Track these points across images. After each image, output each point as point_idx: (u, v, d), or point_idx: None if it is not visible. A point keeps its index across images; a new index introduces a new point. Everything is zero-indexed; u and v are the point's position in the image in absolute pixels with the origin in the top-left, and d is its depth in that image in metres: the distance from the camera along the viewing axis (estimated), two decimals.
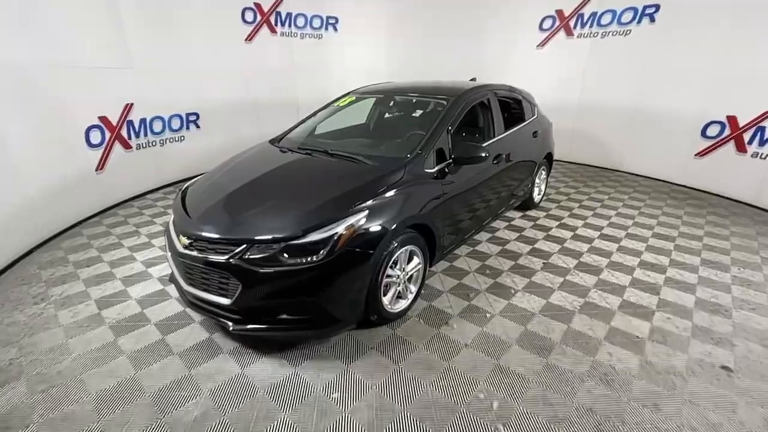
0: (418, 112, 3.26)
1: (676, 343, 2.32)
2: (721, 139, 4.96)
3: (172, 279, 2.45)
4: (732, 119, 4.83)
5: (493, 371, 2.07)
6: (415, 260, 2.48)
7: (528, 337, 2.35)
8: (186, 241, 2.09)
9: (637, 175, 5.95)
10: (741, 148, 4.78)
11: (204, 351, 2.20)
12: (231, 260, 1.94)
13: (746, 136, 4.72)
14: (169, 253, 2.32)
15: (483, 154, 2.59)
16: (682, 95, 5.25)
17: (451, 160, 2.63)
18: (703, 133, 5.13)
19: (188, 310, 2.53)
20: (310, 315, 2.02)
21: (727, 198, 4.95)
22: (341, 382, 1.99)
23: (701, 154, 5.21)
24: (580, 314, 2.58)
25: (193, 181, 2.74)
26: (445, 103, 2.93)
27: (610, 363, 2.14)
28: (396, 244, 2.21)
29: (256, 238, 1.94)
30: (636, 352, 2.23)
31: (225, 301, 2.01)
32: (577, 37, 6.22)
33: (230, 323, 2.06)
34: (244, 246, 1.94)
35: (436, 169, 2.56)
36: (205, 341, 2.28)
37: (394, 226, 2.15)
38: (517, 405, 1.87)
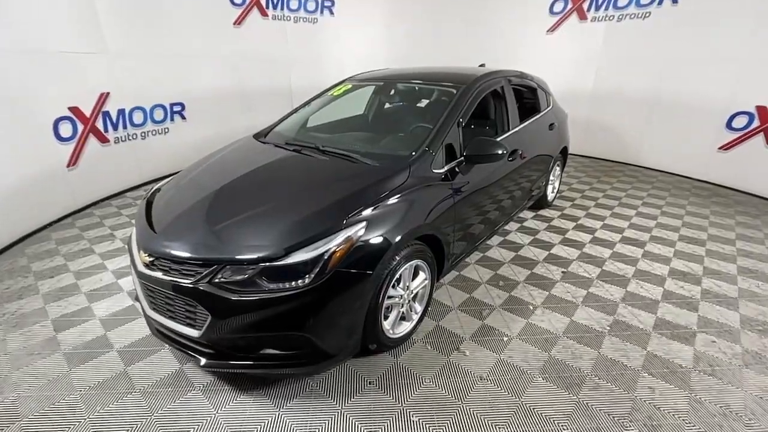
0: (424, 102, 2.88)
1: (727, 374, 1.98)
2: (749, 131, 4.58)
3: (137, 299, 2.09)
4: (762, 109, 4.44)
5: (516, 413, 1.74)
6: (421, 276, 2.13)
7: (553, 366, 2.01)
8: (147, 259, 1.74)
9: (654, 169, 5.57)
10: None
11: (172, 387, 1.86)
12: (198, 284, 1.59)
13: None
14: (133, 270, 1.96)
15: (500, 152, 2.22)
16: (705, 84, 4.85)
17: (462, 158, 2.26)
18: (729, 125, 4.74)
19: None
20: (297, 350, 1.67)
21: (755, 195, 4.59)
22: (334, 430, 1.65)
23: (725, 147, 4.83)
24: (610, 336, 2.24)
25: (163, 183, 2.37)
26: (454, 91, 2.54)
27: (653, 402, 1.81)
28: (399, 260, 1.86)
29: (228, 257, 1.59)
30: (682, 387, 1.89)
31: (193, 332, 1.66)
32: (591, 20, 5.78)
33: (202, 358, 1.72)
34: (214, 267, 1.59)
35: (446, 169, 2.19)
36: (175, 374, 1.94)
37: (398, 239, 1.80)
38: None
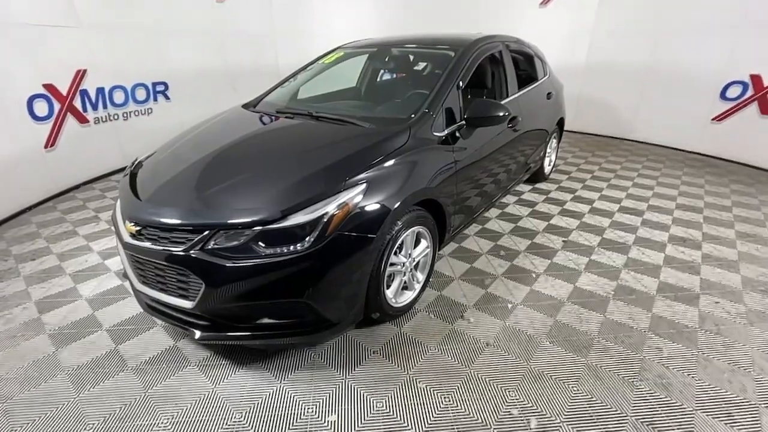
0: (421, 66, 2.76)
1: (733, 332, 1.97)
2: (743, 101, 4.56)
3: (126, 276, 1.99)
4: (756, 78, 4.42)
5: (525, 378, 1.70)
6: (423, 243, 2.05)
7: (560, 331, 1.97)
8: (133, 229, 1.62)
9: (647, 143, 5.55)
10: (765, 110, 4.39)
11: (166, 364, 1.77)
12: (190, 252, 1.49)
13: None
14: (119, 245, 1.85)
15: (502, 113, 2.14)
16: (699, 54, 4.80)
17: (463, 122, 2.18)
18: (723, 95, 4.72)
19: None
20: (297, 318, 1.59)
21: (747, 165, 4.60)
22: (339, 400, 1.59)
23: (719, 118, 4.82)
24: (615, 300, 2.21)
25: (148, 154, 2.24)
26: (452, 54, 2.44)
27: (661, 362, 1.78)
28: (401, 225, 1.78)
29: (221, 222, 1.49)
30: (689, 347, 1.87)
31: (186, 304, 1.57)
32: None
33: (196, 331, 1.63)
34: (207, 233, 1.49)
35: (446, 132, 2.10)
36: (169, 351, 1.85)
37: (399, 202, 1.71)
38: (560, 422, 1.50)
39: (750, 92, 4.49)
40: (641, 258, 2.64)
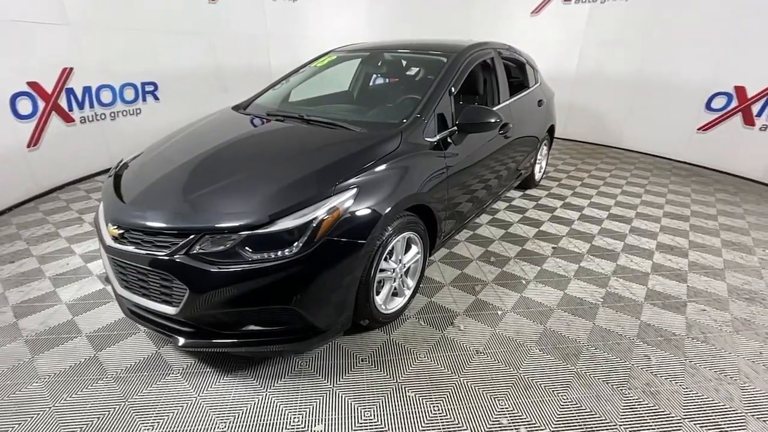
0: (413, 72, 2.76)
1: (719, 340, 1.99)
2: (727, 112, 4.66)
3: (108, 280, 1.93)
4: (740, 90, 4.52)
5: (515, 385, 1.68)
6: (414, 249, 2.04)
7: (549, 338, 1.97)
8: (116, 232, 1.58)
9: (635, 151, 5.63)
10: (749, 121, 4.49)
11: (148, 371, 1.72)
12: (174, 257, 1.45)
13: (755, 108, 4.43)
14: (102, 248, 1.80)
15: (494, 120, 2.14)
16: (686, 65, 4.90)
17: (455, 128, 2.17)
18: (708, 106, 4.82)
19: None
20: (285, 325, 1.56)
21: (732, 174, 4.69)
22: (326, 409, 1.56)
23: (704, 128, 4.91)
24: (604, 308, 2.22)
25: (133, 155, 2.19)
26: (444, 60, 2.44)
27: (649, 369, 1.79)
28: (391, 231, 1.76)
29: (207, 226, 1.45)
30: (676, 354, 1.88)
31: (170, 310, 1.53)
32: (575, 2, 5.75)
33: (180, 338, 1.58)
34: (192, 237, 1.45)
35: (438, 138, 2.09)
36: (151, 358, 1.79)
37: (390, 208, 1.69)
38: (549, 431, 1.49)
39: (734, 103, 4.59)
40: (629, 265, 2.66)
